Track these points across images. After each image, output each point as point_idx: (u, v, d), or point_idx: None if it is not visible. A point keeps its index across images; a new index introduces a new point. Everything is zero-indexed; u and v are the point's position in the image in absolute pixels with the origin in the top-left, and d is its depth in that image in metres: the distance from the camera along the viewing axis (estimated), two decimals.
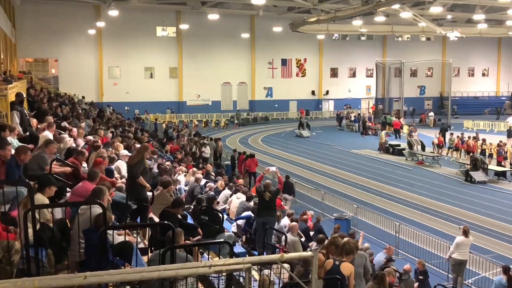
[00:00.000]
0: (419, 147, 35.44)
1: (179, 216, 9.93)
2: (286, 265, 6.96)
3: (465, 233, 13.73)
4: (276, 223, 13.19)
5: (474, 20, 49.76)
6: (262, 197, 12.61)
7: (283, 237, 11.87)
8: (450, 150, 34.54)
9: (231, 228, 13.47)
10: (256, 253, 11.61)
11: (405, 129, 44.27)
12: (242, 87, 60.76)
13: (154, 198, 10.41)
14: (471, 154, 30.33)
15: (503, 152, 29.55)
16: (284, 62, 62.17)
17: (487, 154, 31.02)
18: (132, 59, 55.18)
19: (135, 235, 8.73)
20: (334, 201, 21.86)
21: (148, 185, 10.19)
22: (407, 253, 16.29)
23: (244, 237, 13.35)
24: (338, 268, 6.90)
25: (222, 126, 52.52)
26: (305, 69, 63.16)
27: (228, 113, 59.01)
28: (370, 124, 50.51)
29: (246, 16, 58.10)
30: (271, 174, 18.08)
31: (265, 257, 5.17)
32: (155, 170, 14.91)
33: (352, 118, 53.09)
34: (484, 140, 32.53)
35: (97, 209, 6.47)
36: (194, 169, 19.44)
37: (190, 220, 11.41)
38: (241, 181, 20.68)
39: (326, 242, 7.48)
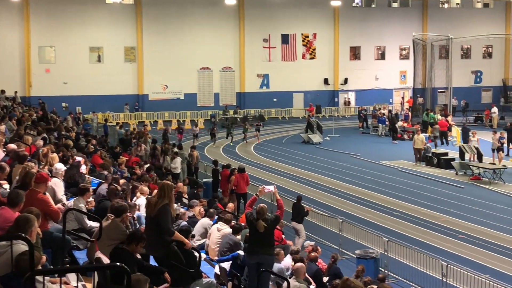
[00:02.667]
0: (475, 156, 35.53)
1: (138, 256, 9.90)
2: None
3: None
4: (275, 264, 13.17)
5: None
6: (255, 228, 12.57)
7: (285, 284, 11.86)
8: None
9: (212, 272, 13.44)
10: None
11: (455, 132, 44.43)
12: (227, 74, 61.02)
13: (101, 230, 10.38)
14: None
15: None
16: (285, 39, 62.45)
17: None
18: (72, 36, 55.30)
19: (75, 283, 8.69)
20: (357, 233, 21.85)
21: (188, 242, 10.84)
22: None
23: (230, 284, 13.32)
24: None
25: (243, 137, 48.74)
26: (314, 49, 63.47)
27: (207, 110, 59.16)
28: (405, 124, 50.61)
29: None
30: (268, 195, 18.11)
31: None
32: (103, 191, 14.86)
33: (388, 118, 52.88)
34: None
35: (21, 247, 6.44)
36: None
37: (153, 262, 11.38)
38: (230, 205, 20.67)
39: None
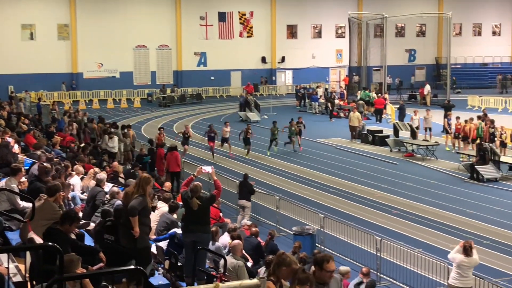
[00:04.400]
0: (408, 133, 36.05)
1: (72, 236, 9.78)
2: None
3: (466, 251, 13.99)
4: (211, 242, 13.18)
5: None
6: (189, 206, 12.50)
7: (222, 261, 11.87)
8: (449, 135, 35.25)
9: None
10: (184, 284, 11.54)
11: (391, 110, 45.02)
12: (164, 52, 60.43)
13: (34, 210, 10.22)
14: (478, 142, 31.09)
15: None
16: (222, 17, 62.13)
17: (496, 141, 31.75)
18: (3, 13, 53.95)
19: (5, 265, 8.51)
20: (293, 210, 21.99)
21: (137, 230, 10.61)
22: (391, 278, 16.59)
23: (167, 262, 13.27)
24: None
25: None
26: (251, 27, 63.26)
27: (144, 88, 58.63)
28: (341, 103, 50.98)
29: None
30: (206, 176, 18.01)
31: None
32: (36, 170, 14.59)
33: (319, 95, 53.27)
34: (491, 122, 33.15)
35: None
36: (96, 169, 19.16)
37: (89, 242, 11.25)
38: (167, 184, 20.56)
39: (272, 264, 7.49)
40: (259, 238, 15.49)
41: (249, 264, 13.43)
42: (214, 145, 33.08)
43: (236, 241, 12.67)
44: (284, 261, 7.42)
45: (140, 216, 10.43)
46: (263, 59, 64.03)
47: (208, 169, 14.14)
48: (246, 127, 34.92)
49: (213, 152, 32.91)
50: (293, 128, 35.46)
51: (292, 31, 65.58)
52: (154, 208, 14.23)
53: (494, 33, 72.11)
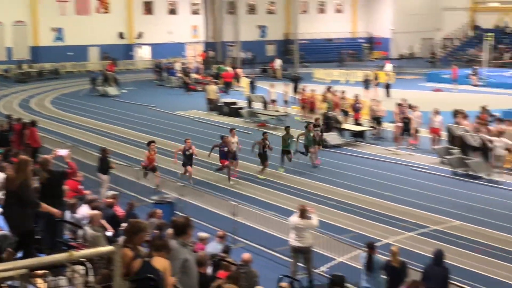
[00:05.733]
0: (261, 104, 36.67)
1: None
2: (80, 267, 6.86)
3: (302, 214, 14.43)
4: (71, 213, 12.95)
5: None
6: (40, 180, 12.21)
7: (80, 231, 11.69)
8: (294, 106, 36.32)
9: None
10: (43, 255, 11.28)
11: (244, 83, 45.56)
12: (19, 28, 58.01)
13: None
14: (323, 112, 32.14)
15: (360, 108, 31.72)
16: None
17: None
18: None
19: None
20: (154, 181, 21.93)
21: (57, 211, 10.79)
22: (247, 240, 16.90)
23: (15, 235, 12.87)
24: (149, 265, 6.95)
25: None
26: (108, 3, 61.85)
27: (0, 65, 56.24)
28: (198, 76, 51.09)
29: None
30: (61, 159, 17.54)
31: (46, 258, 5.03)
32: None
33: (180, 71, 52.98)
34: (342, 92, 34.37)
35: None
36: None
37: None
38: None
39: (127, 231, 7.49)
40: (119, 209, 15.30)
41: (110, 233, 13.28)
42: (230, 164, 22.97)
43: (93, 212, 12.51)
44: (138, 228, 7.43)
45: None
46: (121, 35, 62.93)
47: (62, 152, 13.91)
48: (262, 138, 24.24)
49: (229, 175, 22.97)
50: (311, 134, 25.43)
51: (148, 8, 64.71)
52: None
53: (337, 10, 74.21)
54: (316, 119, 28.37)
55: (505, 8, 66.90)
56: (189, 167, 22.13)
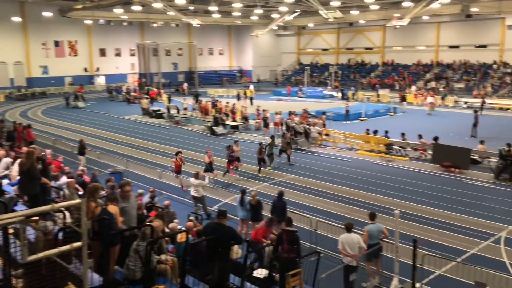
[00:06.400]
0: (175, 111, 36.18)
1: None
2: (59, 214, 6.63)
3: (196, 176, 14.28)
4: (55, 181, 12.38)
5: (210, 10, 51.91)
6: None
7: (61, 192, 11.20)
8: (197, 111, 36.08)
9: (11, 191, 12.14)
10: None
11: (164, 97, 44.72)
12: (18, 65, 53.78)
13: None
14: (214, 114, 32.18)
15: (236, 111, 32.04)
16: (57, 43, 56.62)
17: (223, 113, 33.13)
18: None
19: None
20: (109, 159, 21.27)
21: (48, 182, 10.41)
22: (169, 193, 16.78)
23: (26, 197, 12.15)
24: (106, 211, 6.83)
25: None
26: (77, 49, 58.59)
27: (5, 90, 52.06)
28: (136, 94, 49.70)
29: (15, 2, 51.19)
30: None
31: (37, 209, 4.84)
32: None
33: (124, 91, 51.27)
34: (217, 102, 34.63)
35: None
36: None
37: None
38: (25, 149, 18.65)
39: (89, 190, 7.31)
40: (86, 177, 14.73)
41: (80, 193, 12.77)
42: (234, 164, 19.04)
43: (70, 179, 12.01)
44: (96, 188, 7.30)
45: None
46: (85, 69, 59.82)
47: (47, 151, 13.22)
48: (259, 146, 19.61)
49: (228, 171, 18.78)
50: (287, 141, 21.45)
51: (103, 52, 61.52)
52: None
53: (220, 53, 73.83)
54: (291, 131, 23.98)
55: (316, 52, 69.06)
56: (215, 171, 17.70)
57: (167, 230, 9.41)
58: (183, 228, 9.44)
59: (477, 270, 9.60)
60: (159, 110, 37.14)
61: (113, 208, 7.00)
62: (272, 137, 20.82)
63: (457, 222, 13.74)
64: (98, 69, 60.76)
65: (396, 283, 9.40)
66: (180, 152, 17.70)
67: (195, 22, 53.44)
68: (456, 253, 11.47)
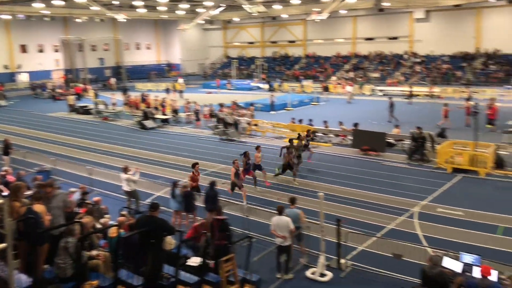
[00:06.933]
0: (103, 106, 34.85)
1: None
2: None
3: (125, 170, 13.84)
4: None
5: (135, 5, 50.30)
6: None
7: None
8: (126, 106, 35.00)
9: None
10: None
11: (91, 93, 42.89)
12: None
13: None
14: (143, 108, 31.37)
15: (165, 105, 31.48)
16: None
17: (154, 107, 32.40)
18: None
19: None
20: (35, 158, 20.07)
21: None
22: (101, 189, 16.18)
23: None
24: (31, 210, 6.48)
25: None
26: None
27: None
28: (62, 91, 47.20)
29: None
30: None
31: None
32: None
33: (50, 88, 48.41)
34: (146, 96, 33.85)
35: None
36: None
37: None
38: None
39: (13, 190, 6.91)
40: (10, 177, 13.83)
41: (5, 194, 11.99)
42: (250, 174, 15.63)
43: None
44: (19, 187, 6.91)
45: None
46: (6, 66, 55.71)
47: None
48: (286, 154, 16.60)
49: (240, 185, 14.62)
50: (303, 142, 18.34)
51: (24, 48, 57.49)
52: None
53: (147, 47, 71.68)
54: (308, 132, 20.32)
55: (243, 46, 69.26)
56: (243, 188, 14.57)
57: (98, 225, 9.10)
58: (115, 223, 9.18)
59: (394, 244, 10.22)
60: (86, 106, 35.56)
61: (39, 207, 6.66)
62: (292, 140, 17.18)
63: (375, 200, 14.52)
64: (19, 66, 56.87)
65: (322, 261, 9.81)
66: (197, 164, 13.93)
67: (121, 17, 51.62)
68: (376, 229, 12.13)
